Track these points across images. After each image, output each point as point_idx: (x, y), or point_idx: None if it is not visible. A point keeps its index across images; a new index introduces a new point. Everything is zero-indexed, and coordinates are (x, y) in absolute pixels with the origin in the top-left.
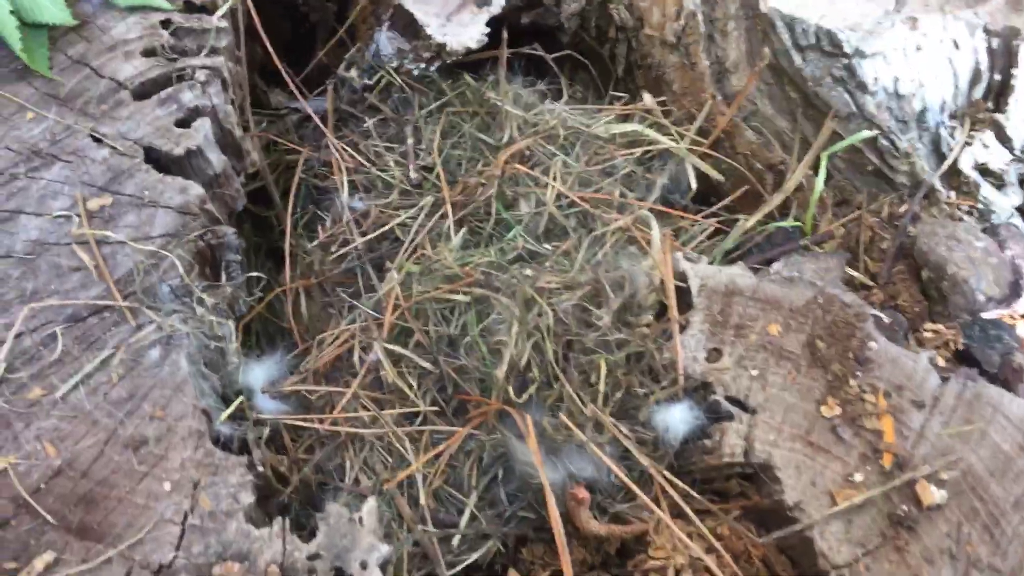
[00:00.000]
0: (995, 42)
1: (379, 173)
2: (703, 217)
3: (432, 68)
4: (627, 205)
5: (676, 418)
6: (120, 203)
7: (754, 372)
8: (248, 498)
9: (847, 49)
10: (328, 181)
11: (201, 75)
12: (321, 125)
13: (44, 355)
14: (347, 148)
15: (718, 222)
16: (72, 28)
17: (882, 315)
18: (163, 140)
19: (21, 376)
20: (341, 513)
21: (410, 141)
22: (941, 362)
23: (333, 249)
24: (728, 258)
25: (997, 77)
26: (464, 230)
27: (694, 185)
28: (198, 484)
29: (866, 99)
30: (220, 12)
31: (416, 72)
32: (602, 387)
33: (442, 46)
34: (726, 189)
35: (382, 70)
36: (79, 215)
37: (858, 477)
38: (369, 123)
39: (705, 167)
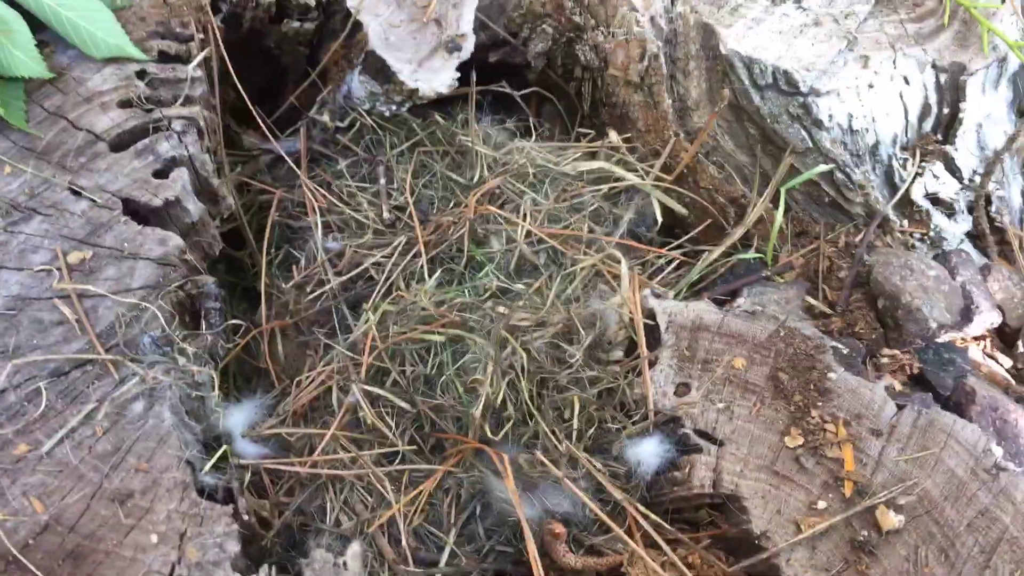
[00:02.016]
0: (943, 77)
1: (352, 213)
2: (669, 250)
3: (403, 108)
4: (595, 240)
5: (647, 452)
6: (100, 256)
7: (721, 405)
8: (234, 547)
9: (803, 88)
10: (302, 221)
11: (177, 125)
12: (294, 166)
13: (29, 410)
14: (320, 188)
15: (683, 254)
16: (48, 80)
17: (840, 345)
18: (141, 192)
19: (6, 432)
20: (326, 559)
21: (382, 181)
22: (898, 386)
23: (308, 289)
24: (694, 289)
25: (946, 111)
26: (439, 272)
27: (660, 219)
28: (184, 535)
29: (822, 135)
30: (195, 62)
31: (387, 113)
32: (576, 423)
33: (414, 91)
34: (690, 222)
35: (354, 112)
36: (60, 269)
37: (821, 504)
38: (342, 164)
39: (670, 202)
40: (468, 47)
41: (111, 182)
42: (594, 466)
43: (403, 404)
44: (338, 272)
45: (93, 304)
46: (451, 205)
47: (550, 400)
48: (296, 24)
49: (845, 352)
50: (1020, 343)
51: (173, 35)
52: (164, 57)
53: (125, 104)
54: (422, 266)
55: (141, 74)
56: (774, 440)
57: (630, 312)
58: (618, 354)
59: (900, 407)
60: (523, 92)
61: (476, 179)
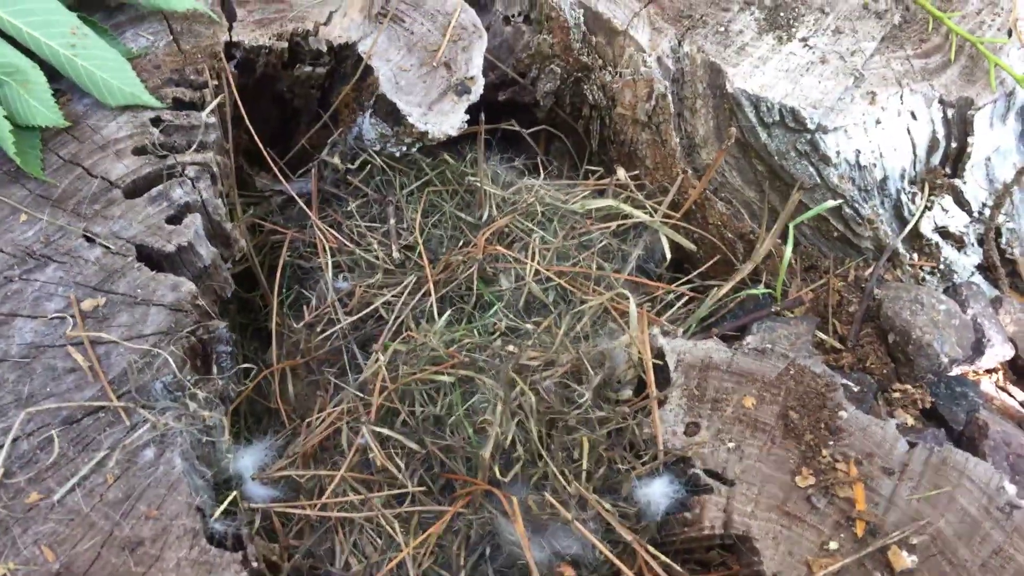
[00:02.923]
0: (951, 112)
1: (363, 254)
2: (678, 286)
3: (413, 149)
4: (604, 277)
5: (657, 492)
6: (113, 302)
7: (731, 444)
8: None
9: (810, 125)
10: (313, 261)
11: (191, 171)
12: (305, 208)
13: (41, 458)
14: (331, 229)
15: (692, 289)
16: (64, 128)
17: (851, 383)
18: (155, 238)
19: (19, 481)
20: None
21: (392, 221)
22: (911, 421)
23: (319, 329)
24: (703, 325)
25: (954, 145)
26: (448, 312)
27: (668, 255)
28: None
29: (829, 171)
30: (208, 108)
31: (397, 154)
32: (585, 464)
33: (424, 134)
34: (699, 258)
35: (364, 153)
36: (73, 316)
37: (833, 545)
38: (352, 205)
39: (678, 238)
40: (477, 90)
41: (125, 229)
42: (604, 507)
43: (413, 445)
44: (348, 312)
45: (106, 351)
46: (460, 244)
47: (559, 441)
48: (308, 69)
49: (856, 389)
50: None
51: (187, 82)
52: (178, 104)
53: (140, 151)
54: (432, 305)
55: (156, 121)
56: (785, 480)
57: (639, 351)
58: (627, 393)
59: (912, 445)
60: (532, 130)
61: (485, 218)
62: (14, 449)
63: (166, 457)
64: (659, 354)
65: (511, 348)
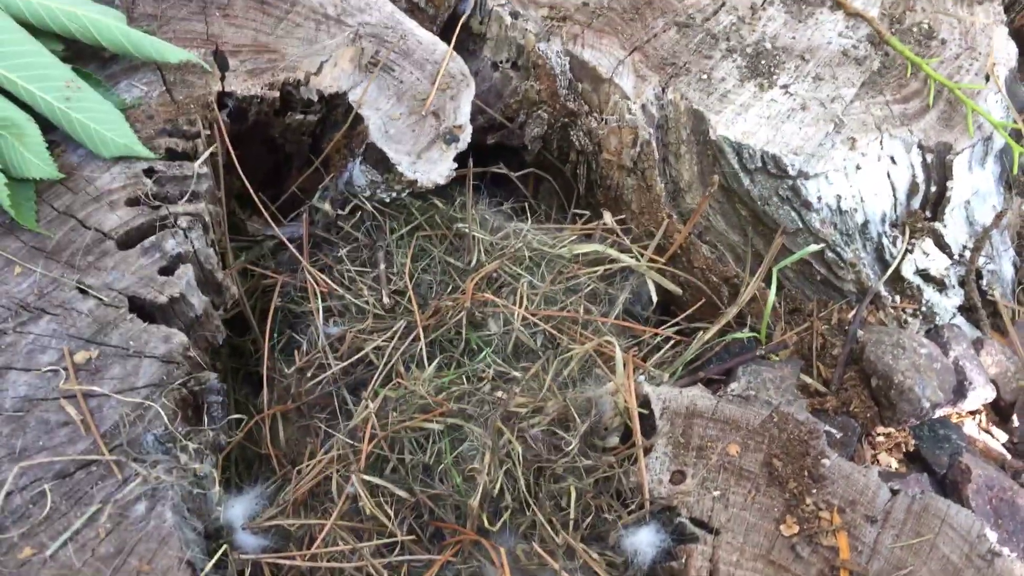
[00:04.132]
0: (929, 157)
1: (353, 299)
2: (664, 329)
3: (403, 194)
4: (592, 321)
5: (644, 541)
6: (106, 355)
7: (716, 493)
8: None
9: (791, 172)
10: (304, 306)
11: (183, 221)
12: (296, 253)
13: (34, 512)
14: (321, 273)
15: (679, 332)
16: (58, 180)
17: (833, 430)
18: (147, 289)
19: (11, 536)
20: None
21: (382, 266)
22: (895, 464)
23: (309, 373)
24: (690, 368)
25: (933, 188)
26: (438, 359)
27: (655, 298)
28: None
29: (811, 216)
30: (201, 159)
31: (387, 199)
32: (572, 513)
33: (413, 182)
34: (686, 300)
35: (355, 199)
36: (66, 369)
37: None
38: (343, 251)
39: (664, 282)
40: (465, 138)
41: (118, 280)
42: (591, 556)
43: (402, 493)
44: (339, 357)
45: (98, 403)
46: (449, 289)
47: (547, 489)
48: (300, 117)
49: (839, 436)
50: (1015, 417)
51: (180, 132)
52: (171, 154)
53: (133, 202)
54: (421, 350)
55: (149, 172)
56: (770, 528)
57: (625, 399)
58: (614, 440)
59: (894, 492)
60: (520, 173)
61: (474, 263)
62: (7, 503)
63: (157, 511)
64: (644, 401)
65: (500, 394)
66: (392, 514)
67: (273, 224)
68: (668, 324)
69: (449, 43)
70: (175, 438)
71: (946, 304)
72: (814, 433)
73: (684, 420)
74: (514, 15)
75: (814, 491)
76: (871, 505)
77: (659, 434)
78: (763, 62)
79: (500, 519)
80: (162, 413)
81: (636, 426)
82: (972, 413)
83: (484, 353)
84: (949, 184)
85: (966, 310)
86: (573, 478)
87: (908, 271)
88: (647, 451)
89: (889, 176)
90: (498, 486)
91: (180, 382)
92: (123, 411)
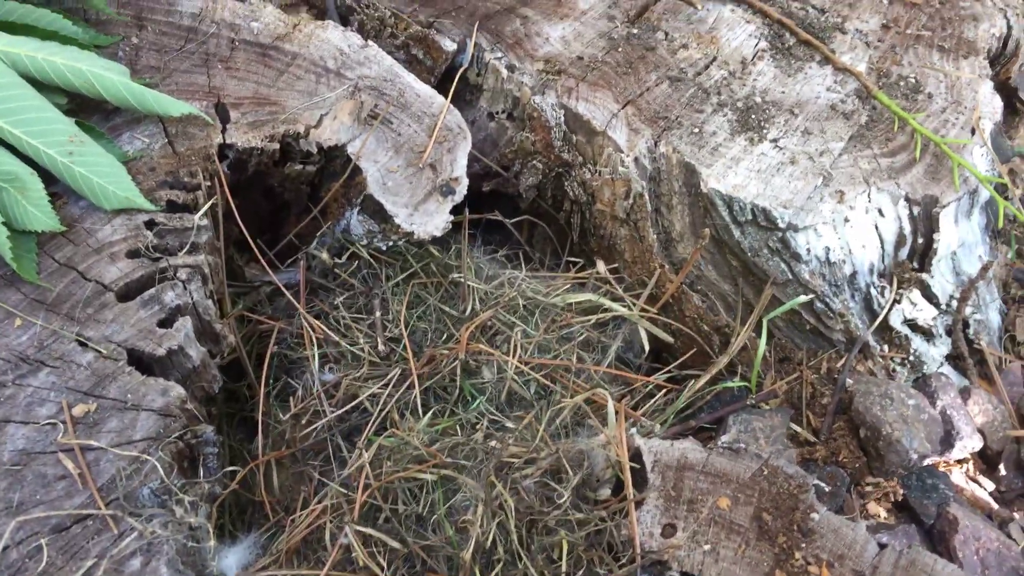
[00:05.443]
0: (916, 209)
1: (349, 347)
2: (655, 378)
3: (400, 243)
4: (584, 370)
5: None
6: (104, 408)
7: (707, 547)
8: None
9: (781, 224)
10: (300, 352)
11: (183, 273)
12: (292, 300)
13: (30, 567)
14: (318, 320)
15: (670, 380)
16: (60, 232)
17: (822, 483)
18: (146, 342)
19: None
20: None
21: (378, 314)
22: (883, 514)
23: (305, 420)
24: (681, 416)
25: (920, 240)
26: (433, 409)
27: (647, 347)
28: None
29: (801, 267)
30: (201, 212)
31: (384, 247)
32: (564, 566)
33: (410, 234)
34: (677, 349)
35: (352, 247)
36: (64, 422)
37: None
38: (339, 298)
39: (656, 331)
40: (461, 190)
41: (117, 332)
42: None
43: (395, 544)
44: (334, 403)
45: (95, 457)
46: (444, 337)
47: (539, 542)
48: (299, 167)
49: (827, 489)
50: (1002, 466)
51: (181, 184)
52: (172, 206)
53: (133, 254)
54: (416, 398)
55: (150, 224)
56: None
57: (617, 451)
58: (606, 492)
59: (882, 547)
60: (515, 219)
61: (468, 312)
62: (4, 558)
63: (152, 566)
64: (636, 454)
65: (493, 444)
66: (385, 564)
67: (270, 270)
68: (660, 372)
69: (447, 96)
70: (171, 491)
71: (934, 353)
72: (803, 487)
73: (675, 473)
74: (510, 68)
75: (803, 545)
76: (859, 559)
77: (650, 487)
78: (753, 116)
79: (492, 572)
80: (159, 466)
81: (628, 479)
82: (959, 462)
83: (478, 402)
84: (936, 236)
85: (953, 359)
86: (565, 531)
87: (896, 321)
88: (638, 504)
89: (877, 228)
90: (491, 538)
91: (177, 435)
92: (120, 464)
